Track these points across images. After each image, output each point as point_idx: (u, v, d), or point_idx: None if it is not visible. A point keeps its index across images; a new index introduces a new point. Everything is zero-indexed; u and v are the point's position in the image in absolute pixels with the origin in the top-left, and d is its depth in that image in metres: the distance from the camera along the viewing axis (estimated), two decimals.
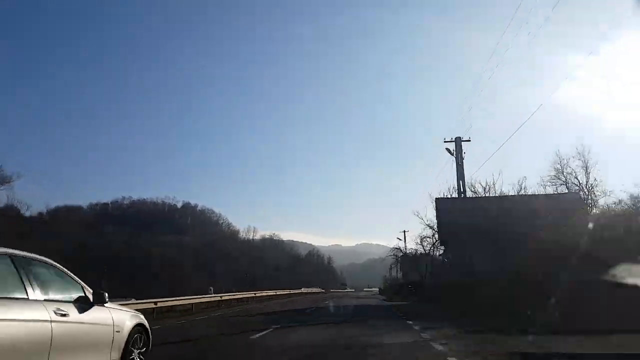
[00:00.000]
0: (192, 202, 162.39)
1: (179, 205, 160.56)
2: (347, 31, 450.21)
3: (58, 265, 4.96)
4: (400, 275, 75.48)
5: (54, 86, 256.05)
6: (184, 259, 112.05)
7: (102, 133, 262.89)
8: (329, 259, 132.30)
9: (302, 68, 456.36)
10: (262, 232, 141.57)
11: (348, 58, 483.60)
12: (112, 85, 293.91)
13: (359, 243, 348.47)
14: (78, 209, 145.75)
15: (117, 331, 5.29)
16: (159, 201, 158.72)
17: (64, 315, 4.32)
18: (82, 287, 5.16)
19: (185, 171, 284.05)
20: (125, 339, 5.48)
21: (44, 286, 4.28)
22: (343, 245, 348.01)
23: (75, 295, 4.93)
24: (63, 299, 4.62)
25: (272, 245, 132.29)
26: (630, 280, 8.66)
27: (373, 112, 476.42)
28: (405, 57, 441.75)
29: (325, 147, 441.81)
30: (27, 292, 3.94)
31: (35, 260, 4.50)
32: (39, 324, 3.89)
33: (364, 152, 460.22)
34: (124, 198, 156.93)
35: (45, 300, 4.17)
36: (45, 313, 4.00)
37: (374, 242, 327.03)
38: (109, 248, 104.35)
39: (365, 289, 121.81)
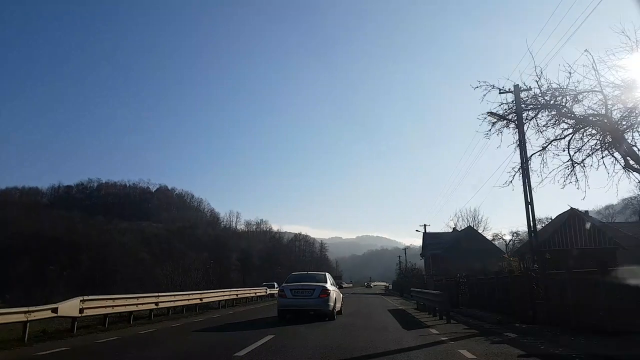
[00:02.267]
0: (170, 186, 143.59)
1: (154, 189, 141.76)
2: (351, 24, 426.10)
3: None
4: (420, 262, 56.05)
5: (29, 61, 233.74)
6: (146, 247, 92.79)
7: (77, 110, 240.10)
8: (322, 245, 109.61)
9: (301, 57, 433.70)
10: (247, 218, 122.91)
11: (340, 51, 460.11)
12: (92, 59, 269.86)
13: (359, 235, 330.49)
14: (34, 191, 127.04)
15: (340, 295, 16.14)
16: (131, 184, 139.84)
17: (337, 290, 15.97)
18: (335, 281, 17.87)
19: (192, 164, 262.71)
20: (342, 297, 16.97)
21: (333, 281, 16.52)
22: (344, 237, 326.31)
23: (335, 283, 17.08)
24: (334, 284, 16.26)
25: (259, 233, 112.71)
26: None
27: (377, 104, 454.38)
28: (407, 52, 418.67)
29: (325, 141, 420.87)
30: (333, 283, 16.06)
31: (329, 273, 17.83)
32: (337, 292, 15.59)
33: (366, 145, 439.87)
34: (91, 180, 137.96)
35: (334, 284, 16.11)
36: (335, 289, 15.46)
37: (375, 235, 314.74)
38: (53, 234, 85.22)
39: (366, 283, 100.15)
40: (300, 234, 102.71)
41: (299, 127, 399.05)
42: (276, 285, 38.69)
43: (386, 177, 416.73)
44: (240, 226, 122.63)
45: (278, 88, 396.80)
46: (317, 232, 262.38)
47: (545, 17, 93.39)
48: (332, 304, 13.63)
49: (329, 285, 14.34)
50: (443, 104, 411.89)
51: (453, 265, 28.63)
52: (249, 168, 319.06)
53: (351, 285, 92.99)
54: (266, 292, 35.71)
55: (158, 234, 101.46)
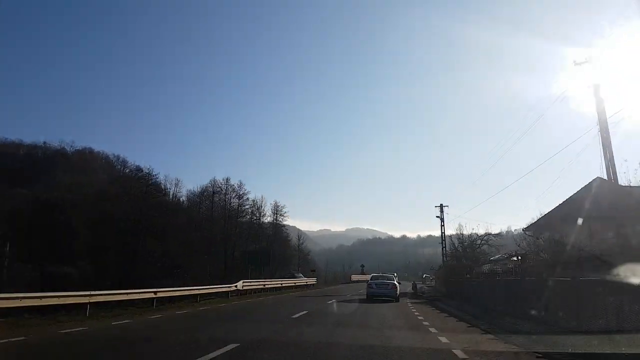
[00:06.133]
0: (98, 150, 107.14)
1: (72, 151, 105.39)
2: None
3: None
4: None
5: None
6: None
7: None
8: (278, 214, 62.84)
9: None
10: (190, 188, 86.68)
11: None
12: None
13: (349, 227, 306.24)
14: None
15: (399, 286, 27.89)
16: (39, 145, 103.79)
17: (398, 284, 27.28)
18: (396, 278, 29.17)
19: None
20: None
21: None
22: (332, 230, 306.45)
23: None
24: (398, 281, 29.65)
25: (197, 205, 76.81)
26: None
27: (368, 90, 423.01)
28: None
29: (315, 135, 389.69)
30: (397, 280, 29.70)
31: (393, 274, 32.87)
32: (398, 285, 27.39)
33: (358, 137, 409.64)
34: None
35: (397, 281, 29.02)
36: (397, 284, 27.36)
37: (366, 227, 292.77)
38: None
39: (353, 278, 65.89)
40: (227, 180, 56.67)
41: (287, 120, 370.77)
42: None
43: (378, 170, 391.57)
44: (183, 198, 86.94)
45: (263, 67, 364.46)
46: (304, 225, 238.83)
47: None
48: (398, 293, 25.26)
49: (396, 282, 26.52)
50: (436, 104, 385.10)
51: None
52: (231, 151, 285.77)
53: (314, 280, 49.04)
54: None
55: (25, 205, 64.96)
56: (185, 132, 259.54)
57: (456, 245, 29.40)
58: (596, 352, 7.51)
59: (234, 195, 56.14)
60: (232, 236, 46.78)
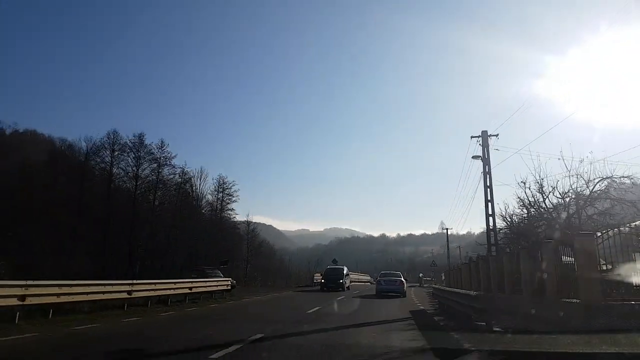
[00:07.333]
0: (41, 131, 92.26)
1: (9, 132, 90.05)
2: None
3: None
4: None
5: None
6: None
7: None
8: (222, 206, 45.91)
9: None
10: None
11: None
12: None
13: (327, 227, 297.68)
14: None
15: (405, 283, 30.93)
16: None
17: (404, 280, 30.50)
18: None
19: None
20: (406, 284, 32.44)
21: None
22: (311, 230, 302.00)
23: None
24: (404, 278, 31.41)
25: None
26: None
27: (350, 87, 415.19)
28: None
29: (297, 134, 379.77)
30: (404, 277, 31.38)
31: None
32: (405, 281, 29.97)
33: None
34: None
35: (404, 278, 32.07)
36: (404, 280, 29.88)
37: (345, 227, 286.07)
38: None
39: (316, 279, 52.94)
40: (141, 137, 39.67)
41: (267, 120, 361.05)
42: None
43: (358, 171, 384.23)
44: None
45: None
46: (282, 225, 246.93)
47: None
48: (405, 289, 27.67)
49: (402, 279, 28.45)
50: (424, 105, 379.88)
51: None
52: (211, 148, 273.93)
53: (225, 283, 25.44)
54: None
55: None
56: (175, 130, 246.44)
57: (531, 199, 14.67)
58: None
59: (148, 158, 39.21)
60: (141, 218, 33.44)
